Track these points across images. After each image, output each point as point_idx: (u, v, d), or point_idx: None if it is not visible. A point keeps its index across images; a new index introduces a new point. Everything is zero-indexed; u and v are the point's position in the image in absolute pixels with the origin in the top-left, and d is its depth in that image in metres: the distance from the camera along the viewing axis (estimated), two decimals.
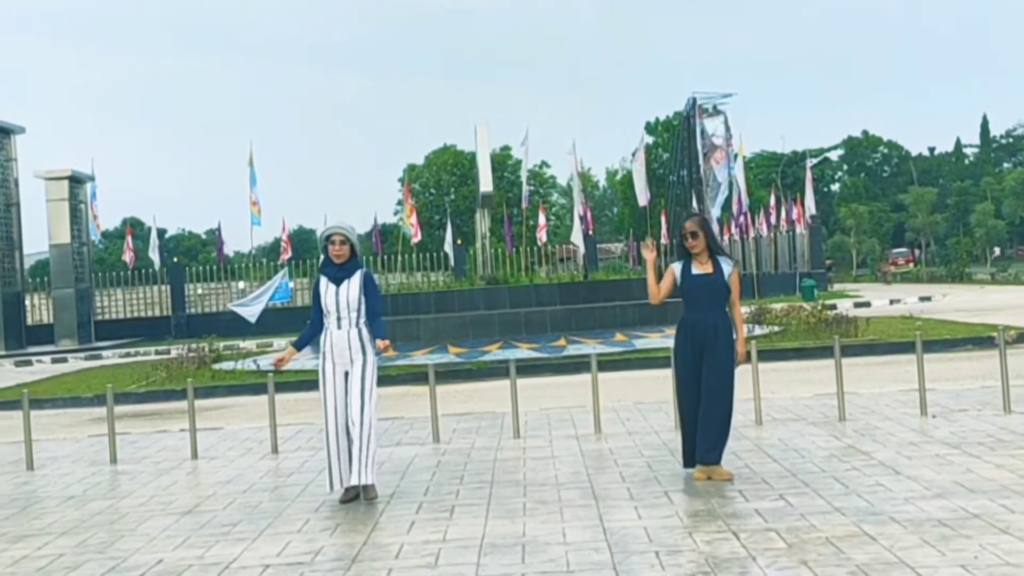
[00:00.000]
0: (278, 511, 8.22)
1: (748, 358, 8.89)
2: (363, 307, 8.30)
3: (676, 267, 8.44)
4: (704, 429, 8.18)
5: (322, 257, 8.56)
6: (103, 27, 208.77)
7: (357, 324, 8.28)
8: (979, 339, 20.14)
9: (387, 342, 8.35)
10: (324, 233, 8.46)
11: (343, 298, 8.24)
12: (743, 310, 8.82)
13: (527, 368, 17.97)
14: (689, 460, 8.43)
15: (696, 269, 8.35)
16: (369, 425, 8.21)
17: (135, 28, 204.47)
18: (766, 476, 8.33)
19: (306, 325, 8.71)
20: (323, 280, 8.35)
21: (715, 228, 54.32)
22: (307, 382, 19.26)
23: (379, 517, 7.76)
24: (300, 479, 9.51)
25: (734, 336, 8.36)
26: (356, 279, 8.30)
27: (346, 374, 8.28)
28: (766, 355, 16.35)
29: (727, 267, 8.38)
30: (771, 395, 12.80)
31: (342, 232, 8.33)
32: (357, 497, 8.35)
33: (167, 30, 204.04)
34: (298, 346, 8.72)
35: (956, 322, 24.43)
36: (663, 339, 20.30)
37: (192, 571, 6.61)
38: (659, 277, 8.54)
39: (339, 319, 8.26)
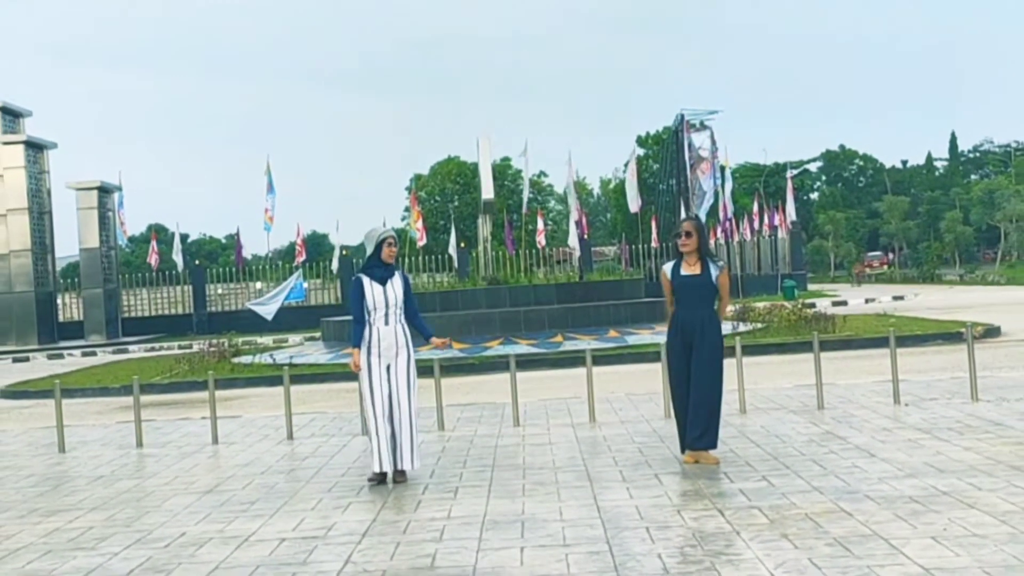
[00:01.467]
0: (293, 491, 8.23)
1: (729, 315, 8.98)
2: (404, 304, 8.43)
3: (667, 268, 8.49)
4: (694, 418, 8.19)
5: (369, 258, 8.49)
6: (130, 51, 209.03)
7: (401, 320, 8.41)
8: (948, 335, 20.10)
9: (445, 339, 8.73)
10: (380, 237, 8.46)
11: (391, 295, 8.33)
12: (727, 309, 8.76)
13: (526, 362, 17.94)
14: (682, 445, 8.43)
15: (684, 270, 8.36)
16: (416, 413, 8.36)
17: (160, 52, 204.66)
18: (750, 459, 8.33)
19: (352, 325, 8.49)
20: (366, 280, 8.35)
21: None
22: (319, 375, 19.31)
23: (388, 497, 7.77)
24: (314, 463, 9.51)
25: (722, 333, 8.35)
26: (398, 278, 8.43)
27: (388, 367, 8.32)
28: (750, 350, 16.35)
29: (715, 270, 8.36)
30: (754, 386, 12.79)
31: (394, 234, 8.55)
32: (384, 480, 8.31)
33: (191, 54, 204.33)
34: (358, 345, 8.43)
35: (927, 319, 24.41)
36: (653, 335, 20.31)
37: (213, 543, 6.63)
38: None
39: (387, 315, 8.33)
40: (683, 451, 8.45)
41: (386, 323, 8.35)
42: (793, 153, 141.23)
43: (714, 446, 8.30)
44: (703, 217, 51.39)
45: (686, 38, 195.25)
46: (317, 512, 7.39)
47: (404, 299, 8.43)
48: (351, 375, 8.47)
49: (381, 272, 8.40)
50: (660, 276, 8.64)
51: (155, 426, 12.70)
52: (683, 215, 50.43)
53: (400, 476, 8.31)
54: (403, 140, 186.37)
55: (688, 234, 8.36)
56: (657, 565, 5.51)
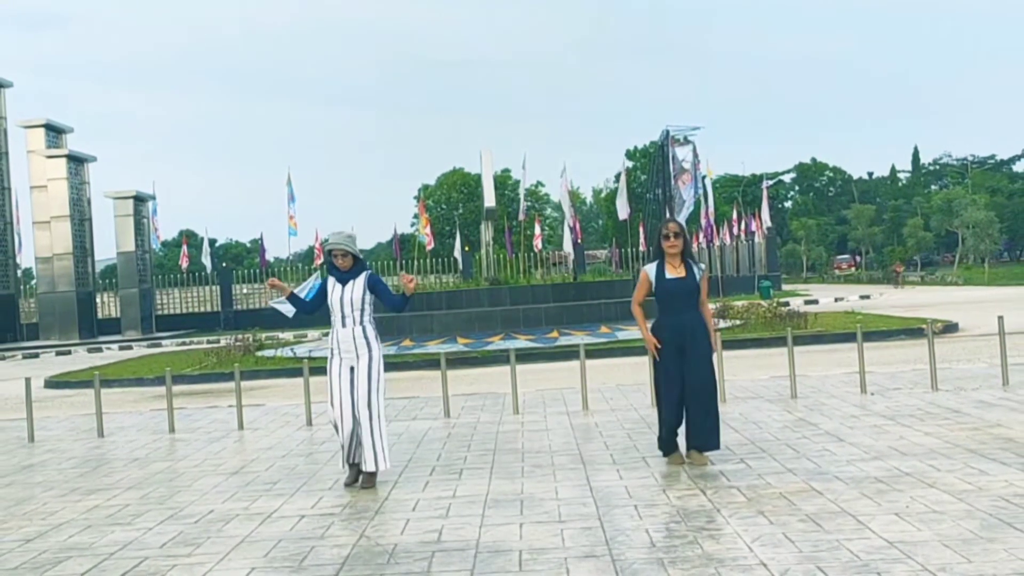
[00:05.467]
0: (312, 472, 8.22)
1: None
2: (367, 306, 7.59)
3: (650, 270, 7.69)
4: (701, 420, 7.45)
5: (328, 262, 7.91)
6: (166, 73, 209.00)
7: (361, 322, 7.54)
8: (911, 330, 20.14)
9: (411, 277, 7.82)
10: (326, 248, 7.83)
11: (348, 297, 7.54)
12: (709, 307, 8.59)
13: (525, 356, 17.95)
14: (669, 448, 7.68)
15: (670, 273, 7.56)
16: (378, 415, 7.49)
17: (192, 74, 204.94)
18: (729, 444, 8.30)
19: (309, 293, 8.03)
20: (331, 280, 7.69)
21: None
22: None
23: (398, 478, 7.75)
24: (331, 447, 9.46)
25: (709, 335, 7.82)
26: (360, 280, 7.59)
27: (352, 368, 7.57)
28: (729, 344, 16.34)
29: (698, 272, 7.71)
30: (733, 378, 12.79)
31: (342, 247, 7.61)
32: (358, 480, 7.63)
33: (220, 76, 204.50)
34: (292, 299, 8.06)
35: (891, 316, 24.43)
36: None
37: (239, 519, 6.62)
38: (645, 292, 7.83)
39: (344, 317, 7.54)
40: (667, 454, 7.70)
41: (343, 325, 7.54)
42: (769, 165, 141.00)
43: (718, 446, 7.59)
44: (683, 223, 51.41)
45: (672, 61, 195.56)
46: (334, 492, 7.38)
47: (379, 297, 7.62)
48: None
49: (340, 273, 7.63)
50: (640, 276, 7.78)
51: (186, 413, 12.69)
52: (668, 217, 50.46)
53: (368, 480, 7.48)
54: (412, 153, 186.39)
55: (677, 235, 7.59)
56: (644, 539, 5.51)
